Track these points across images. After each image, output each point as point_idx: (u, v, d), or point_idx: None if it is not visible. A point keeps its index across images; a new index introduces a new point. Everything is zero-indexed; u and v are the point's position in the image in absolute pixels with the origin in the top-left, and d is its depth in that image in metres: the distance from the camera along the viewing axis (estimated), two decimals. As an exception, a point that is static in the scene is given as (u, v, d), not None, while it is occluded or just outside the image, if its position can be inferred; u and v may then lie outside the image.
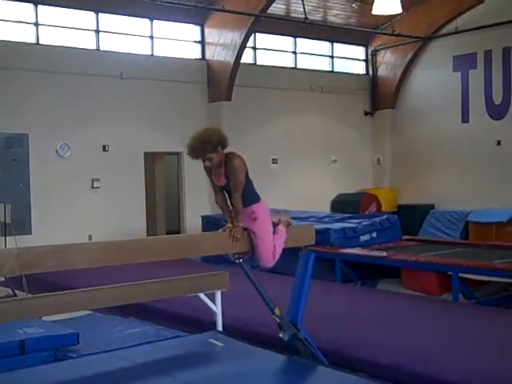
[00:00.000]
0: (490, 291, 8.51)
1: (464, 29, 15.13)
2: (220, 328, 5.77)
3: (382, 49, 17.03)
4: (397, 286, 9.09)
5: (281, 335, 5.07)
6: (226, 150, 4.90)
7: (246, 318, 6.53)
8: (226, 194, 5.00)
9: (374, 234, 10.59)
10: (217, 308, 5.78)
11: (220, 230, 4.87)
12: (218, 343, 5.29)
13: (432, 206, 15.83)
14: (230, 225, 4.80)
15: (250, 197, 4.95)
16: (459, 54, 15.62)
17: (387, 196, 16.48)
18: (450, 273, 8.20)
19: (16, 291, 8.69)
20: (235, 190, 4.77)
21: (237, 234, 4.72)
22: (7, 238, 10.21)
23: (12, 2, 11.84)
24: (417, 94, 16.74)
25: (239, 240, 4.72)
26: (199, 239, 5.22)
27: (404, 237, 11.29)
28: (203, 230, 11.54)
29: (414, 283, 8.85)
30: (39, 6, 12.19)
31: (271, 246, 5.00)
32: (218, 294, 5.78)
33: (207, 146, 4.71)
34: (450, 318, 6.77)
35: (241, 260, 5.05)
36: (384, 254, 9.53)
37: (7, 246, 9.96)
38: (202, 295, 5.74)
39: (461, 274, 8.06)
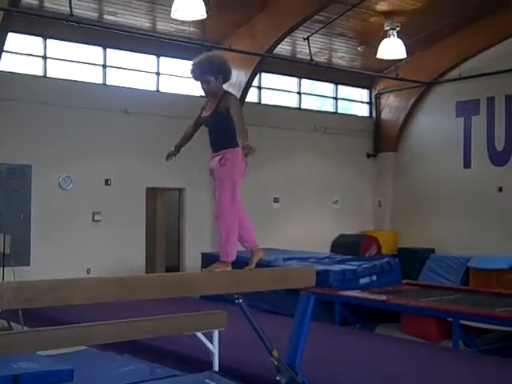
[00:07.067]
0: (492, 339, 8.41)
1: (467, 75, 15.28)
2: (216, 368, 5.70)
3: (386, 92, 17.16)
4: (396, 330, 9.01)
5: (278, 378, 4.99)
6: None
7: (243, 359, 6.45)
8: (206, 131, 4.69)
9: (374, 277, 10.53)
10: (214, 347, 5.72)
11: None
12: (214, 384, 5.21)
13: (432, 251, 15.75)
14: None
15: (229, 139, 4.57)
16: (462, 100, 15.72)
17: (387, 239, 16.40)
18: (450, 319, 8.13)
19: (12, 323, 8.63)
20: (239, 129, 4.38)
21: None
22: (5, 268, 10.15)
23: (21, 35, 11.98)
24: (419, 137, 16.80)
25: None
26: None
27: (404, 281, 11.21)
28: (202, 267, 11.48)
29: (413, 328, 8.77)
30: (48, 40, 12.35)
31: (230, 200, 4.47)
32: (216, 334, 5.72)
33: (206, 67, 4.61)
34: (449, 365, 6.69)
35: (240, 300, 5.00)
36: (384, 297, 9.46)
37: (5, 277, 9.90)
38: (199, 334, 5.68)
39: (462, 321, 7.98)
